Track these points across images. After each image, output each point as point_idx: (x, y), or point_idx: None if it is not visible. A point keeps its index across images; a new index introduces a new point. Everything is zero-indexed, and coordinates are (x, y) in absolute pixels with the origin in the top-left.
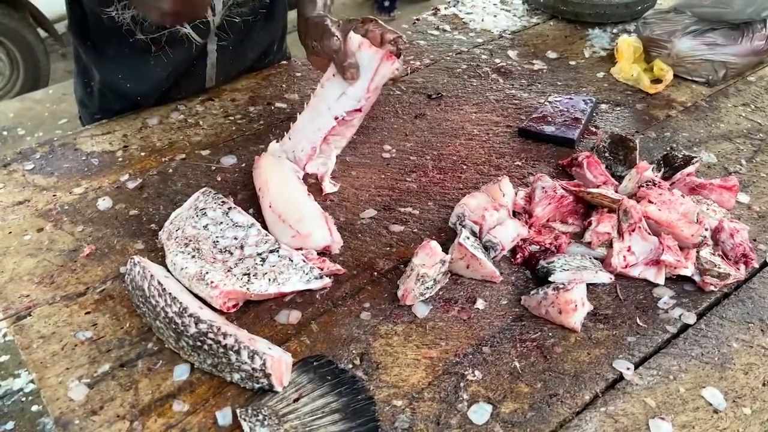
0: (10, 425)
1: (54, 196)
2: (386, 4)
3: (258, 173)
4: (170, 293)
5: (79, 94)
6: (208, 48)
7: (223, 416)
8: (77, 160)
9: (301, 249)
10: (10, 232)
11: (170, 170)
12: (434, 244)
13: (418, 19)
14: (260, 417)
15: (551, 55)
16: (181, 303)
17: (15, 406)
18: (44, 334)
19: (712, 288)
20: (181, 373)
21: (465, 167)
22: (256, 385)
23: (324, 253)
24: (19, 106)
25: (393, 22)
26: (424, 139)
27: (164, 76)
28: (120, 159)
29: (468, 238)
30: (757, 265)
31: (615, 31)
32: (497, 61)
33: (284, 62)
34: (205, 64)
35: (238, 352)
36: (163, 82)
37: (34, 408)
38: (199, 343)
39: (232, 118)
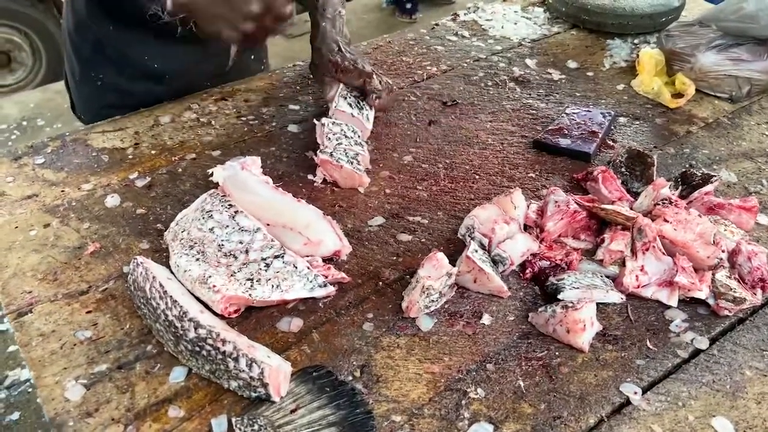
0: (15, 415)
1: (62, 191)
2: (408, 6)
3: (234, 201)
4: (171, 296)
5: (84, 91)
6: None
7: (219, 424)
8: (88, 156)
9: (309, 256)
10: (17, 227)
11: (180, 170)
12: (441, 256)
13: (437, 24)
14: (256, 427)
15: (571, 65)
16: (181, 306)
17: (21, 397)
18: (44, 331)
19: (726, 312)
20: (177, 375)
21: (477, 177)
22: (254, 394)
23: (330, 260)
24: (40, 97)
25: (413, 26)
26: (437, 146)
27: (191, 53)
28: (130, 156)
29: (476, 251)
30: None
31: (636, 42)
32: (515, 69)
33: (300, 63)
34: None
35: (236, 360)
36: (189, 59)
37: (40, 399)
38: (197, 349)
39: (244, 118)
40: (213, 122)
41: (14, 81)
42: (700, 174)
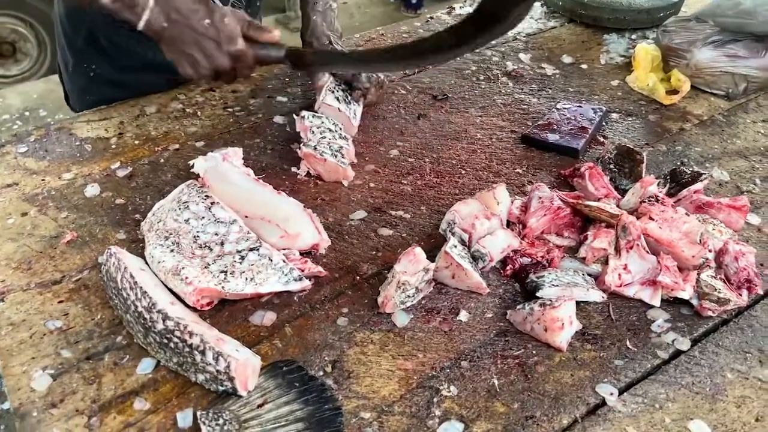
0: (6, 405)
1: (43, 180)
2: (413, 1)
3: (213, 193)
4: (141, 287)
5: (77, 83)
6: None
7: (184, 418)
8: (71, 145)
9: (286, 249)
10: None
11: (162, 160)
12: (418, 251)
13: (432, 18)
14: (220, 421)
15: (566, 59)
16: (150, 298)
17: None
18: (14, 321)
19: (710, 313)
20: (145, 367)
21: (463, 172)
22: (220, 388)
23: (308, 253)
24: (44, 88)
25: (407, 19)
26: (425, 140)
27: None
28: (113, 146)
29: (455, 246)
30: (761, 292)
31: (634, 37)
32: (509, 64)
33: None
34: None
35: (203, 353)
36: None
37: (5, 389)
38: (165, 341)
39: (231, 109)
40: (199, 113)
41: (19, 71)
42: (689, 172)
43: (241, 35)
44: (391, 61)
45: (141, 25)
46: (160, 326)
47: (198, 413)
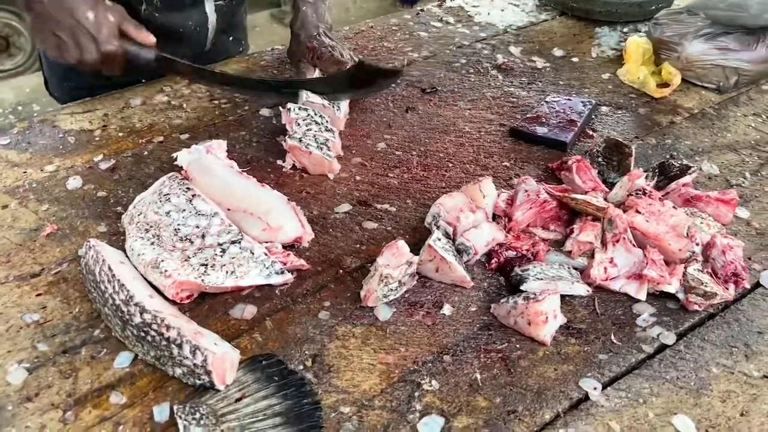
0: None
1: (24, 172)
2: None
3: (195, 186)
4: (119, 279)
5: (57, 70)
6: (206, 9)
7: (160, 412)
8: (54, 137)
9: (269, 242)
10: None
11: (146, 153)
12: (402, 244)
13: (422, 10)
14: (197, 416)
15: (557, 53)
16: (128, 291)
17: None
18: None
19: (696, 307)
20: (122, 360)
21: (451, 165)
22: (198, 382)
23: (291, 246)
24: (37, 82)
25: (397, 12)
26: (413, 133)
27: (167, 35)
28: (97, 138)
29: (439, 239)
30: (748, 286)
31: (626, 30)
32: (499, 57)
33: (279, 47)
34: (206, 29)
35: (180, 346)
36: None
37: None
38: (142, 334)
39: (217, 102)
40: (185, 105)
41: (12, 66)
42: (678, 165)
43: (117, 33)
44: (256, 88)
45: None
46: (137, 319)
47: (175, 407)
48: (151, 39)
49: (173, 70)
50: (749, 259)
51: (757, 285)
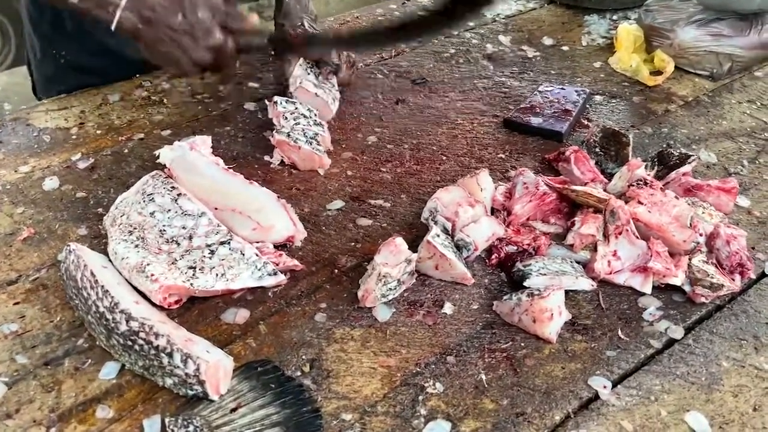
0: None
1: None
2: None
3: (180, 184)
4: (102, 285)
5: (46, 70)
6: None
7: (151, 425)
8: (28, 136)
9: (260, 242)
10: None
11: (126, 150)
12: (400, 241)
13: (408, 0)
14: (191, 428)
15: (546, 41)
16: (113, 297)
17: None
18: None
19: (703, 300)
20: (108, 371)
21: (445, 158)
22: (190, 392)
23: (283, 246)
24: (7, 81)
25: (382, 2)
26: (404, 126)
27: None
28: (74, 137)
29: (438, 235)
30: (754, 276)
31: (615, 18)
32: (488, 46)
33: None
34: None
35: (170, 355)
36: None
37: None
38: (129, 343)
39: (199, 96)
40: (165, 100)
41: None
42: (677, 154)
43: (217, 26)
44: (378, 39)
45: (114, 26)
46: (123, 327)
47: (166, 420)
48: (254, 21)
49: (288, 47)
50: (753, 248)
51: (763, 275)
